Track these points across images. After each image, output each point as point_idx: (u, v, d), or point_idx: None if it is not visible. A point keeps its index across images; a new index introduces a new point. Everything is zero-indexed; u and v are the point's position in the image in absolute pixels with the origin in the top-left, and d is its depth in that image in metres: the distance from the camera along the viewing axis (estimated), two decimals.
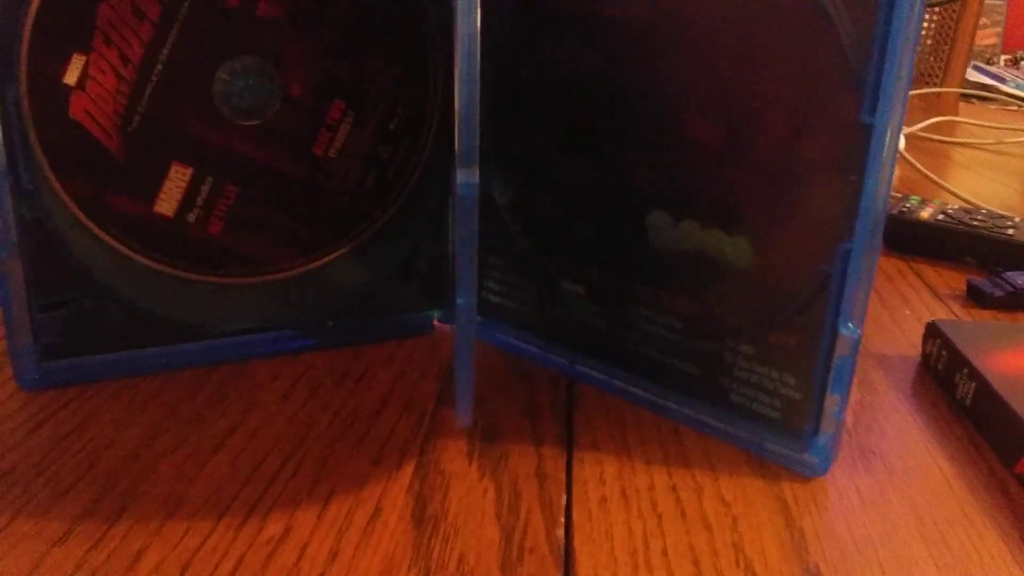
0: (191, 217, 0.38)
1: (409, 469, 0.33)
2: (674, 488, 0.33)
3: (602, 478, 0.33)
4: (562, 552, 0.29)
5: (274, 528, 0.29)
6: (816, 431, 0.34)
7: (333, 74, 0.39)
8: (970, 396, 0.39)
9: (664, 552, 0.29)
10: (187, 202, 0.37)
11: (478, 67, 0.27)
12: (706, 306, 0.36)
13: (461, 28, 0.25)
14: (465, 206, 0.26)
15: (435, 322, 0.44)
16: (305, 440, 0.34)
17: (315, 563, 0.28)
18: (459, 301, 0.29)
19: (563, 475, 0.33)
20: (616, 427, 0.36)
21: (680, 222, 0.36)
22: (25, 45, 0.33)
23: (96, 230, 0.36)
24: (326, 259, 0.41)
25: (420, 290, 0.43)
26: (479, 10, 0.27)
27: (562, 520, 0.30)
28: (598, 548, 0.29)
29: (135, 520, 0.29)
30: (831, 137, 0.31)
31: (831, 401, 0.34)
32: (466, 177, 0.25)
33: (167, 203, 0.37)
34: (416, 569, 0.28)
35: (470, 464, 0.33)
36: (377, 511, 0.30)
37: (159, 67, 0.36)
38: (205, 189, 0.38)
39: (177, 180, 0.37)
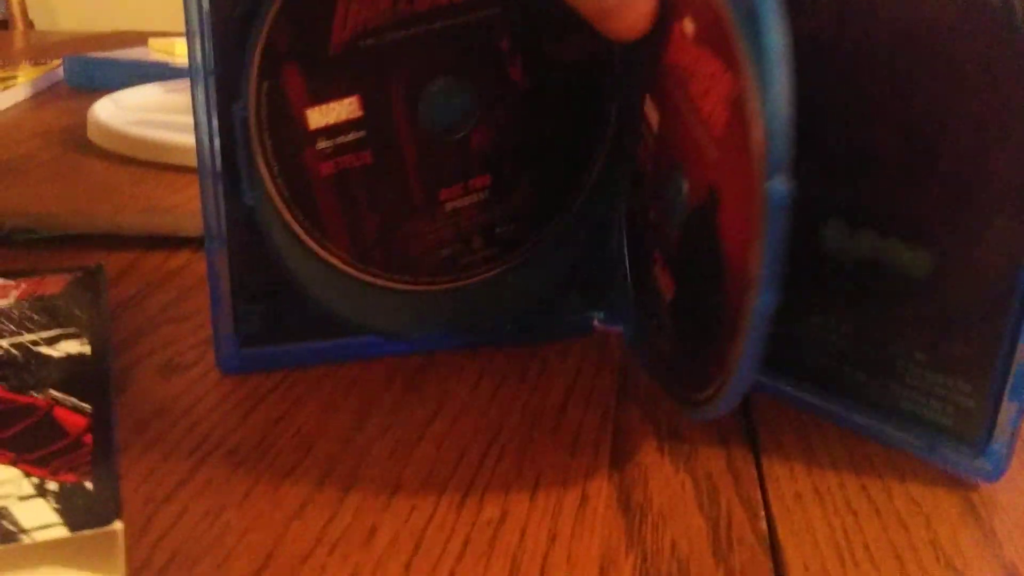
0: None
1: (605, 460, 0.34)
2: (864, 487, 0.33)
3: (793, 475, 0.34)
4: (768, 543, 0.30)
5: (491, 511, 0.31)
6: (990, 439, 0.34)
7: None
8: None
9: (866, 547, 0.30)
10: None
11: (790, 72, 0.27)
12: (879, 314, 0.36)
13: (768, 35, 0.26)
14: (776, 213, 0.26)
15: (595, 323, 0.45)
16: (501, 430, 0.36)
17: (537, 544, 0.29)
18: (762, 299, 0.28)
19: (754, 471, 0.34)
20: (796, 427, 0.37)
21: (857, 230, 0.37)
22: (256, 63, 0.35)
23: (310, 242, 0.38)
24: (508, 266, 0.43)
25: (583, 294, 0.44)
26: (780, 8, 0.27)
27: (762, 513, 0.32)
28: (802, 541, 0.30)
29: (362, 499, 0.31)
30: (1021, 149, 0.31)
31: (1008, 408, 0.34)
32: (780, 185, 0.26)
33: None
34: (633, 552, 0.29)
35: (663, 457, 0.35)
36: (584, 498, 0.32)
37: None
38: None
39: None
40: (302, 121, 0.37)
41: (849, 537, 0.30)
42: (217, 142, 0.36)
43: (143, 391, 0.37)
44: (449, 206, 0.40)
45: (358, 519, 0.30)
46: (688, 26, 0.32)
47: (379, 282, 0.40)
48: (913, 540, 0.30)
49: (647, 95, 0.38)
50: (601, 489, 0.32)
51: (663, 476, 0.33)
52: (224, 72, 0.35)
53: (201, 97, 0.35)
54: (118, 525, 0.26)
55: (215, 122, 0.35)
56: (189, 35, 0.35)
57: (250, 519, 0.30)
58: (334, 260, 0.39)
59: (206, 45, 0.35)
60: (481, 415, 0.37)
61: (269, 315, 0.39)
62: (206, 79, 0.35)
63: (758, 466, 0.34)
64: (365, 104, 0.38)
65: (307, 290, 0.39)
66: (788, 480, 0.34)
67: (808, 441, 0.36)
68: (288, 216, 0.38)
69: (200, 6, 0.34)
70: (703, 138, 0.32)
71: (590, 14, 0.33)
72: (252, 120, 0.36)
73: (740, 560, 0.29)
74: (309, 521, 0.30)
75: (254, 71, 0.35)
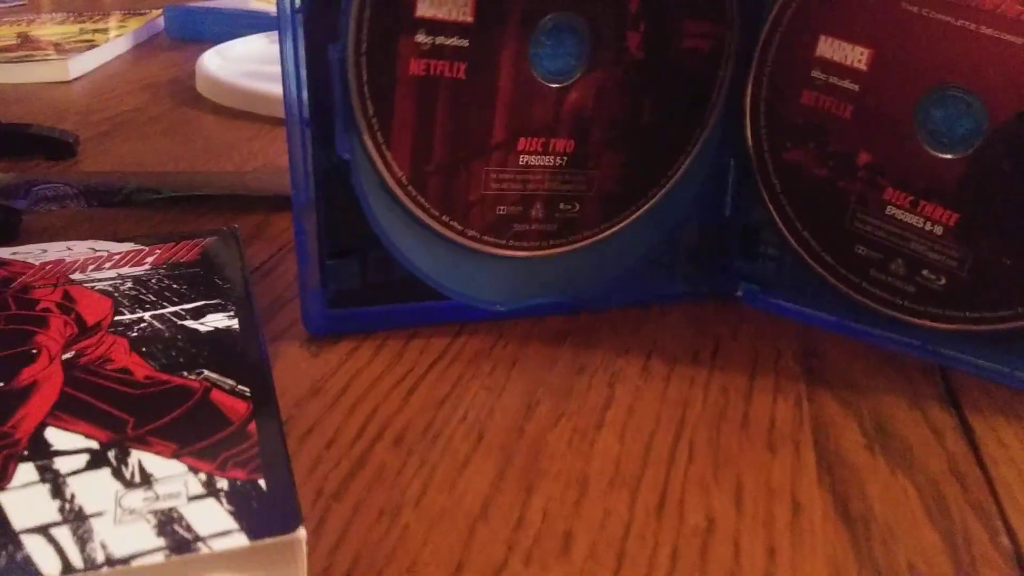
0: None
1: (810, 459, 0.31)
2: None
3: (1022, 476, 0.30)
4: (1015, 562, 0.26)
5: (695, 517, 0.27)
6: None
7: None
8: None
9: None
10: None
11: None
12: None
13: None
14: None
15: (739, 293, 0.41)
16: (685, 420, 0.32)
17: (755, 560, 0.26)
18: None
19: (979, 473, 0.30)
20: (1012, 419, 0.33)
21: None
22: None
23: (409, 203, 0.36)
24: (615, 228, 0.40)
25: (688, 258, 0.41)
26: None
27: (999, 525, 0.28)
28: None
29: (547, 498, 0.28)
30: None
31: None
32: None
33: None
34: (866, 573, 0.25)
35: (874, 457, 0.31)
36: (797, 506, 0.28)
37: None
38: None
39: None
40: (410, 4, 0.33)
41: None
42: (305, 90, 0.33)
43: (292, 367, 0.35)
44: (523, 160, 0.37)
45: (548, 524, 0.27)
46: None
47: (444, 231, 0.37)
48: None
49: (826, 35, 0.36)
50: (813, 495, 0.29)
51: (880, 480, 0.29)
52: (315, 11, 0.32)
53: (289, 43, 0.33)
54: (302, 532, 0.23)
55: (303, 69, 0.33)
56: None
57: (431, 520, 0.27)
58: (392, 179, 0.36)
59: None
60: (660, 401, 0.33)
61: (358, 273, 0.37)
62: (293, 20, 0.32)
63: (983, 468, 0.30)
64: (478, 11, 0.34)
65: (382, 232, 0.36)
66: (1020, 486, 0.29)
67: None
68: (371, 144, 0.35)
69: None
70: (1018, 48, 0.31)
71: None
72: (351, 44, 0.33)
73: None
74: (495, 524, 0.27)
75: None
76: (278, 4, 0.33)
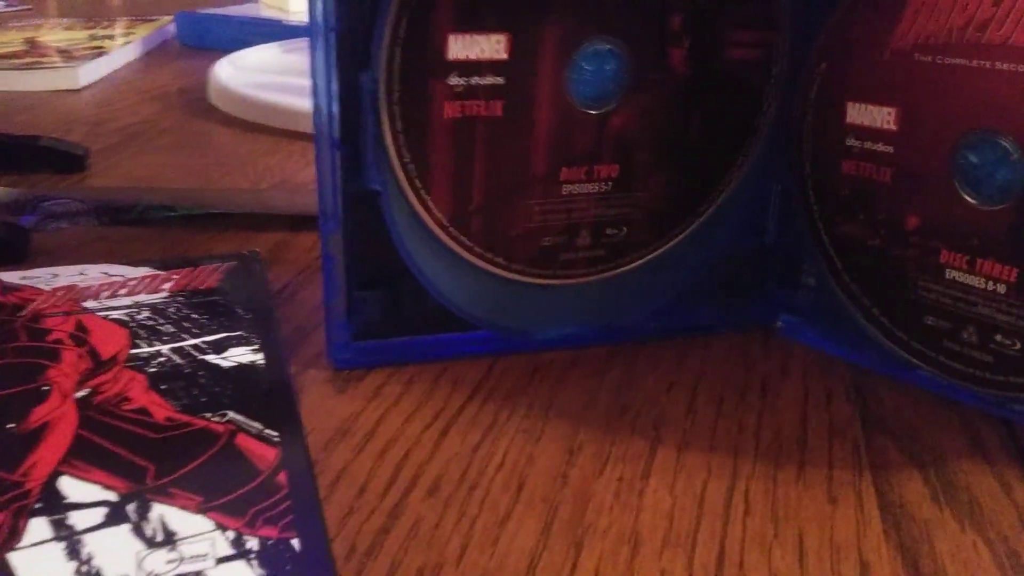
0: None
1: (874, 512, 0.29)
2: None
3: None
4: None
5: None
6: None
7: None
8: None
9: None
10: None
11: None
12: None
13: None
14: None
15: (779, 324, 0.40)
16: (739, 468, 0.30)
17: None
18: None
19: None
20: None
21: None
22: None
23: (451, 243, 0.35)
24: (662, 249, 0.39)
25: (729, 286, 0.40)
26: None
27: None
28: None
29: (599, 558, 0.26)
30: None
31: None
32: None
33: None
34: None
35: (941, 510, 0.29)
36: (865, 565, 0.26)
37: None
38: None
39: None
40: (441, 48, 0.32)
41: None
42: (337, 110, 0.31)
43: (317, 405, 0.33)
44: (567, 189, 0.35)
45: None
46: None
47: (489, 268, 0.36)
48: None
49: (852, 101, 0.35)
50: (881, 552, 0.27)
51: (949, 535, 0.28)
52: (349, 31, 0.31)
53: (320, 58, 0.31)
54: None
55: (335, 87, 0.31)
56: None
57: None
58: (432, 221, 0.34)
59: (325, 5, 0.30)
60: (710, 448, 0.31)
61: (386, 304, 0.35)
62: (327, 37, 0.31)
63: None
64: (513, 47, 0.33)
65: (417, 268, 0.35)
66: None
67: None
68: (408, 188, 0.33)
69: None
70: None
71: None
72: (382, 83, 0.31)
73: None
74: None
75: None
76: (311, 17, 0.31)
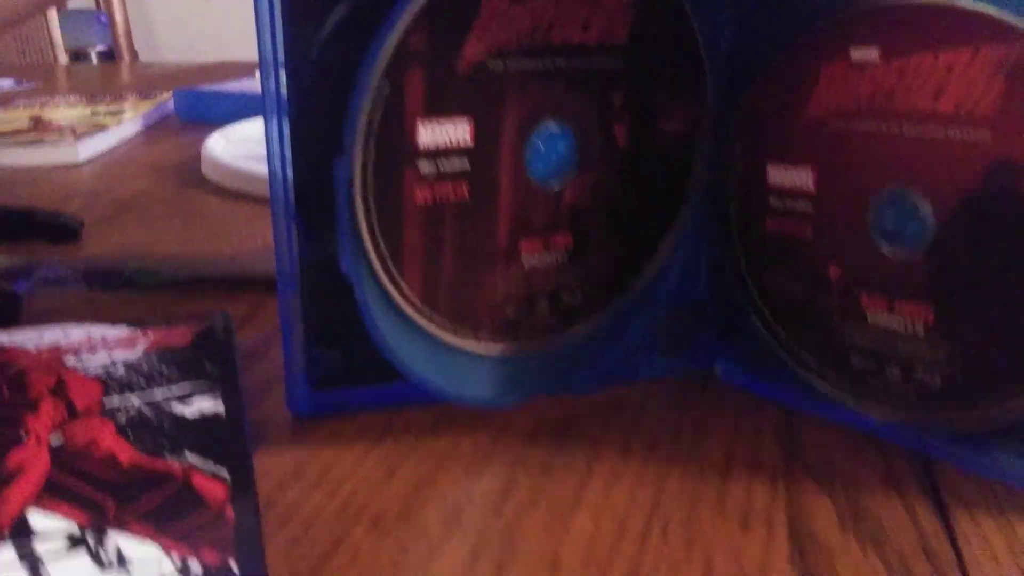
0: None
1: (783, 538, 0.31)
2: None
3: (994, 556, 0.30)
4: None
5: None
6: None
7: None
8: None
9: None
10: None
11: None
12: None
13: None
14: None
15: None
16: (661, 500, 0.33)
17: None
18: None
19: (951, 553, 0.30)
20: (987, 494, 0.33)
21: None
22: (384, 60, 0.34)
23: (423, 321, 0.37)
24: (612, 310, 0.41)
25: (669, 337, 0.42)
26: None
27: None
28: None
29: None
30: None
31: None
32: None
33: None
34: None
35: (846, 535, 0.31)
36: None
37: None
38: None
39: None
40: (412, 135, 0.35)
41: None
42: (291, 178, 0.34)
43: (276, 450, 0.35)
44: (527, 262, 0.38)
45: None
46: (864, 52, 0.34)
47: (458, 343, 0.38)
48: None
49: (772, 164, 0.38)
50: (783, 574, 0.29)
51: (850, 559, 0.30)
52: (305, 105, 0.34)
53: (275, 131, 0.33)
54: None
55: (288, 155, 0.34)
56: (262, 65, 0.33)
57: None
58: (406, 303, 0.37)
59: (278, 79, 0.33)
60: (638, 483, 0.34)
61: (344, 359, 0.37)
62: (279, 116, 0.33)
63: (953, 544, 0.31)
64: (477, 132, 0.36)
65: (390, 350, 0.36)
66: (990, 562, 0.30)
67: (1003, 511, 0.32)
68: (381, 271, 0.36)
69: (273, 37, 0.33)
70: (954, 137, 0.33)
71: None
72: (357, 173, 0.34)
73: None
74: None
75: (379, 69, 0.34)
76: (264, 91, 0.33)
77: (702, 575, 0.29)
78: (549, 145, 0.38)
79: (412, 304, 0.36)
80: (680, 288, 0.42)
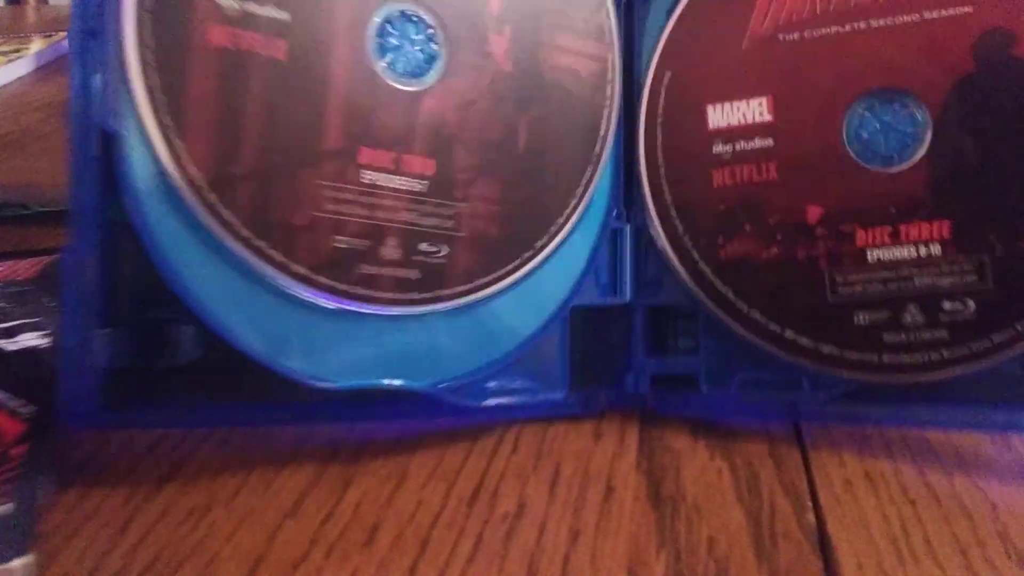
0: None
1: (633, 445, 0.31)
2: (921, 472, 0.30)
3: (842, 460, 0.31)
4: (816, 538, 0.27)
5: (507, 504, 0.28)
6: None
7: None
8: None
9: (927, 540, 0.27)
10: None
11: None
12: None
13: None
14: None
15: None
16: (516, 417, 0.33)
17: (558, 543, 0.26)
18: None
19: (799, 455, 0.31)
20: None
21: None
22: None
23: (208, 216, 0.27)
24: (494, 287, 0.32)
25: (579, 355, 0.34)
26: None
27: (809, 504, 0.28)
28: (855, 535, 0.27)
29: (363, 493, 0.28)
30: None
31: None
32: None
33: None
34: (666, 552, 0.26)
35: (696, 442, 0.31)
36: (610, 490, 0.29)
37: None
38: None
39: None
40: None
41: (907, 529, 0.27)
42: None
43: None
44: (368, 176, 0.30)
45: (358, 517, 0.27)
46: None
47: (258, 262, 0.28)
48: (979, 532, 0.27)
49: (713, 105, 0.32)
50: (628, 479, 0.29)
51: (698, 464, 0.30)
52: None
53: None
54: (20, 562, 0.23)
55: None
56: None
57: (239, 518, 0.27)
58: (184, 181, 0.27)
59: None
60: None
61: (136, 349, 0.28)
62: None
63: (803, 451, 0.31)
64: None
65: (158, 251, 0.27)
66: (837, 466, 0.30)
67: (857, 419, 0.33)
68: (152, 117, 0.26)
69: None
70: (933, 18, 0.29)
71: None
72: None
73: (786, 558, 0.26)
74: (304, 519, 0.27)
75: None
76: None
77: (549, 482, 0.29)
78: (402, 30, 0.31)
79: (194, 184, 0.27)
80: (588, 282, 0.34)
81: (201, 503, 0.27)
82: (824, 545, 0.26)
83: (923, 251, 0.30)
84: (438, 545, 0.26)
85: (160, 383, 0.28)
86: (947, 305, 0.29)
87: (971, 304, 0.29)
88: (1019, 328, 0.29)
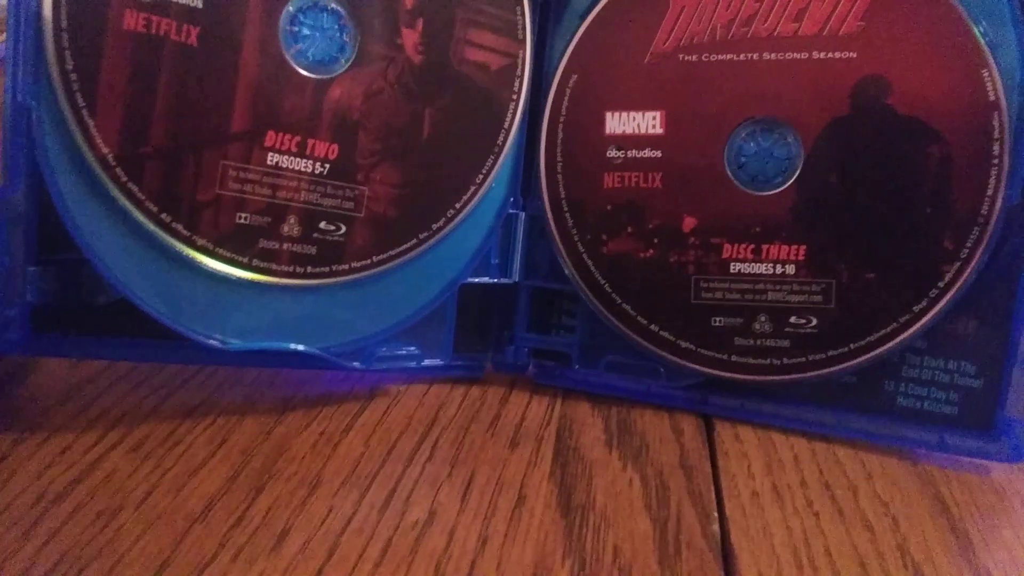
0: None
1: (548, 455, 0.31)
2: (827, 485, 0.31)
3: (750, 472, 0.31)
4: (720, 548, 0.27)
5: (418, 512, 0.28)
6: (1002, 418, 0.32)
7: None
8: None
9: (827, 552, 0.28)
10: None
11: None
12: None
13: None
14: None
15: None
16: (436, 422, 0.33)
17: (465, 549, 0.26)
18: None
19: (708, 467, 0.32)
20: (757, 425, 0.35)
21: None
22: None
23: (116, 191, 0.29)
24: (388, 264, 0.35)
25: (468, 325, 0.37)
26: None
27: (715, 514, 0.29)
28: (757, 546, 0.28)
29: (275, 498, 0.28)
30: None
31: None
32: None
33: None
34: (571, 560, 0.26)
35: (610, 453, 0.32)
36: (521, 498, 0.29)
37: None
38: None
39: None
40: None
41: (809, 541, 0.28)
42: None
43: (50, 374, 0.34)
44: (273, 159, 0.32)
45: (268, 522, 0.27)
46: None
47: (164, 235, 0.30)
48: (879, 544, 0.28)
49: (612, 112, 0.35)
50: (540, 488, 0.30)
51: (610, 473, 0.31)
52: None
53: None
54: None
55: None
56: None
57: (148, 521, 0.27)
58: (94, 155, 0.29)
59: None
60: (417, 406, 0.34)
61: (67, 285, 0.30)
62: None
63: (713, 462, 0.32)
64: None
65: (72, 222, 0.29)
66: (745, 478, 0.31)
67: (768, 434, 0.34)
68: (64, 94, 0.28)
69: None
70: (818, 59, 0.32)
71: None
72: None
73: (688, 567, 0.26)
74: (213, 524, 0.27)
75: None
76: None
77: (462, 489, 0.29)
78: (314, 21, 0.32)
79: (102, 159, 0.29)
80: (482, 263, 0.37)
81: (111, 506, 0.27)
82: (727, 555, 0.27)
83: (779, 269, 0.33)
84: (346, 550, 0.26)
85: (82, 319, 0.30)
86: (793, 319, 0.33)
87: (813, 320, 0.33)
88: (852, 346, 0.33)
